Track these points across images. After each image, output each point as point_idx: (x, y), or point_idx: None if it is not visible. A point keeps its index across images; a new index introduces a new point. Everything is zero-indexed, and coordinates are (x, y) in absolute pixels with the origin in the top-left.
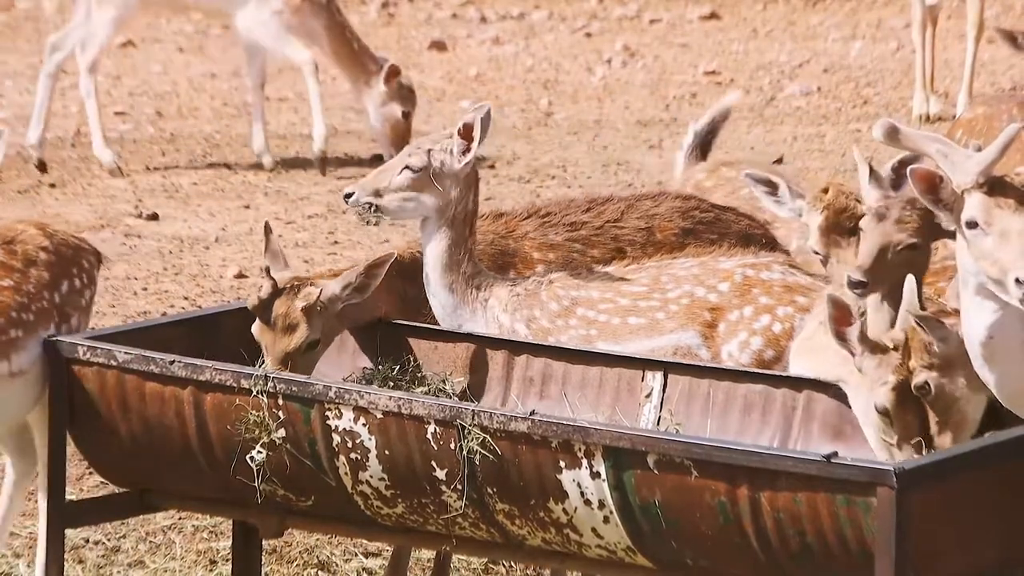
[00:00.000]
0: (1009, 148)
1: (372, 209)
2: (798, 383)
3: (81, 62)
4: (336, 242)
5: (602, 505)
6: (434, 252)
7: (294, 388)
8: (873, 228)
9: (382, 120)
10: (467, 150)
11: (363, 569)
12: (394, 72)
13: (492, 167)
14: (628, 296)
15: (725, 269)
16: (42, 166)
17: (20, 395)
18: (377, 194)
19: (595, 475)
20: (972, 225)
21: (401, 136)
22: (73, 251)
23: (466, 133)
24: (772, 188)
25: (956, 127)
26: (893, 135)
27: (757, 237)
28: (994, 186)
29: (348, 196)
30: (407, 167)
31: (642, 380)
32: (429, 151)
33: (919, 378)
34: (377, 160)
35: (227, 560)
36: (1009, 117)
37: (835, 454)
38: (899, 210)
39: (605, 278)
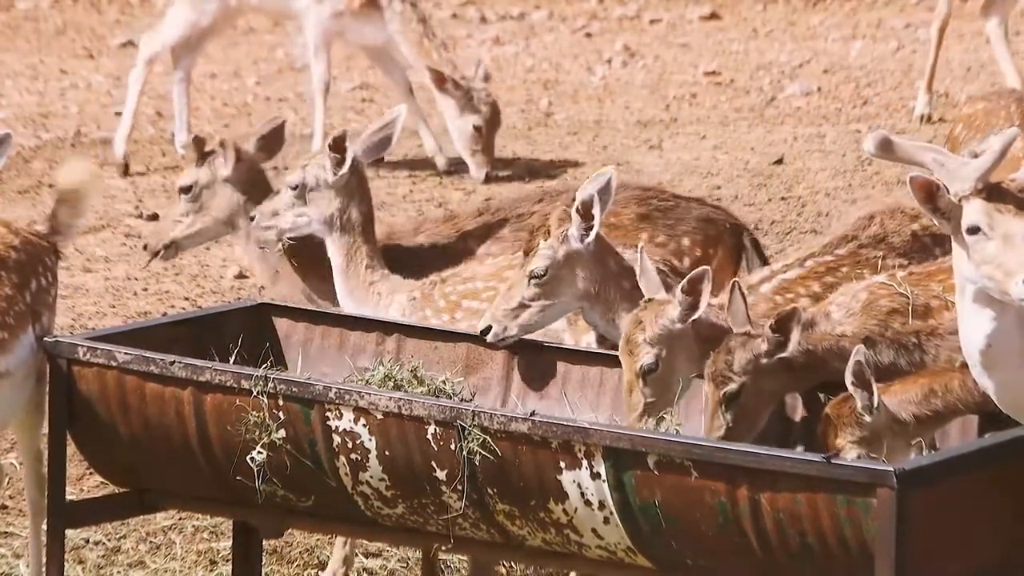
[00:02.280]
0: (1007, 153)
1: (273, 231)
2: None
3: (142, 51)
4: None
5: (602, 506)
6: (334, 263)
7: (294, 389)
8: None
9: (457, 135)
10: (341, 162)
11: (363, 569)
12: (439, 79)
13: (493, 167)
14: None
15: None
16: (126, 169)
17: (7, 397)
18: (275, 214)
19: (595, 476)
20: (974, 231)
21: (479, 150)
22: (36, 248)
23: (337, 146)
24: None
25: (956, 122)
26: (887, 147)
27: (720, 222)
28: (992, 192)
29: (250, 220)
30: (286, 185)
31: None
32: (304, 167)
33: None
34: (377, 161)
35: (227, 560)
36: (1008, 113)
37: (835, 455)
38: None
39: (491, 268)
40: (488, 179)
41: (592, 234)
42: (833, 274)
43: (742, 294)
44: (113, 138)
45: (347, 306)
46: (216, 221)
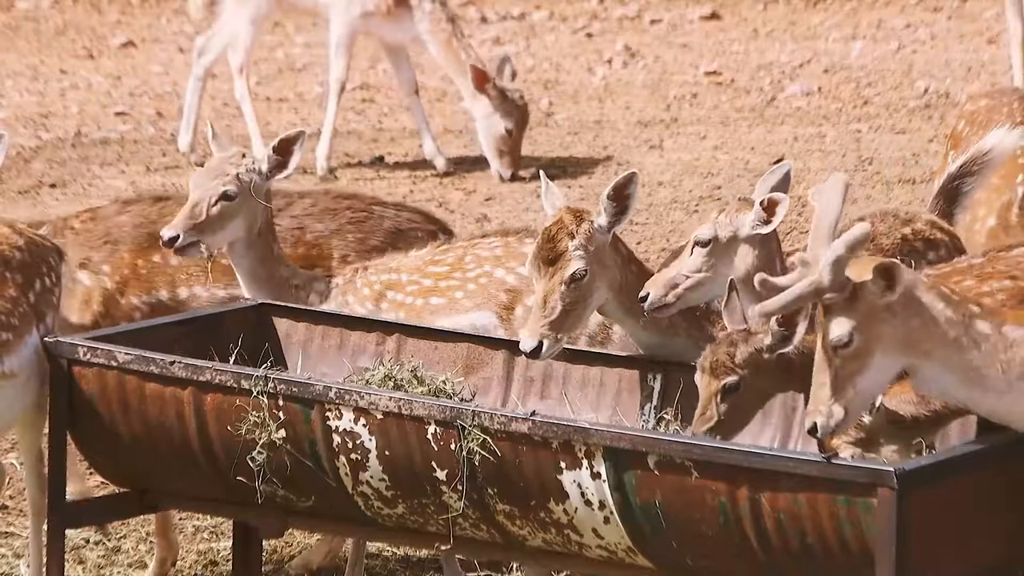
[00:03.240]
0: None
1: (197, 245)
2: None
3: (232, 65)
4: None
5: (603, 506)
6: (248, 268)
7: (294, 389)
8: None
9: (485, 134)
10: (282, 165)
11: (363, 569)
12: (481, 77)
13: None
14: (432, 277)
15: (526, 253)
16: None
17: (11, 398)
18: (199, 230)
19: (596, 476)
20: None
21: (506, 152)
22: (40, 249)
23: (282, 149)
24: None
25: (959, 119)
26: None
27: (414, 231)
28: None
29: (172, 241)
30: (224, 196)
31: (643, 381)
32: (238, 176)
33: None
34: (378, 162)
35: (227, 560)
36: (1010, 111)
37: (835, 455)
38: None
39: (416, 260)
40: (513, 178)
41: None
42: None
43: (737, 293)
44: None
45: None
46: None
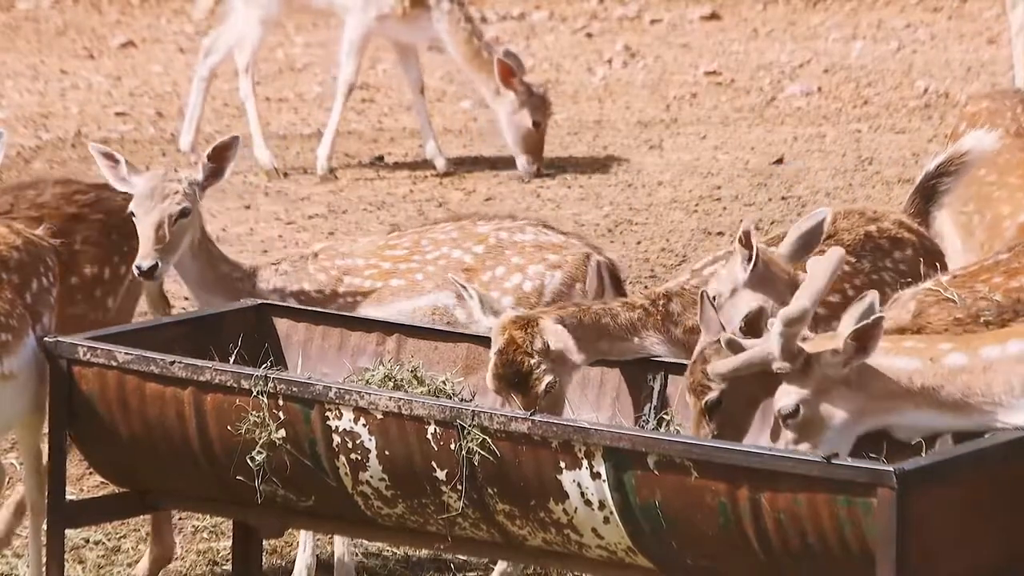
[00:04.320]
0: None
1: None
2: None
3: (238, 64)
4: None
5: (602, 506)
6: (197, 275)
7: (294, 389)
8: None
9: (512, 129)
10: (218, 172)
11: (363, 569)
12: (507, 72)
13: (493, 167)
14: (390, 260)
15: (481, 232)
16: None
17: (11, 399)
18: (167, 252)
19: (595, 476)
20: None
21: (533, 147)
22: (38, 249)
23: (217, 156)
24: None
25: (960, 120)
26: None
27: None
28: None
29: (151, 271)
30: (182, 214)
31: (643, 381)
32: (186, 192)
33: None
34: (378, 162)
35: (227, 560)
36: (1013, 114)
37: (836, 455)
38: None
39: (369, 245)
40: (538, 174)
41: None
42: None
43: (711, 303)
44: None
45: (207, 303)
46: None
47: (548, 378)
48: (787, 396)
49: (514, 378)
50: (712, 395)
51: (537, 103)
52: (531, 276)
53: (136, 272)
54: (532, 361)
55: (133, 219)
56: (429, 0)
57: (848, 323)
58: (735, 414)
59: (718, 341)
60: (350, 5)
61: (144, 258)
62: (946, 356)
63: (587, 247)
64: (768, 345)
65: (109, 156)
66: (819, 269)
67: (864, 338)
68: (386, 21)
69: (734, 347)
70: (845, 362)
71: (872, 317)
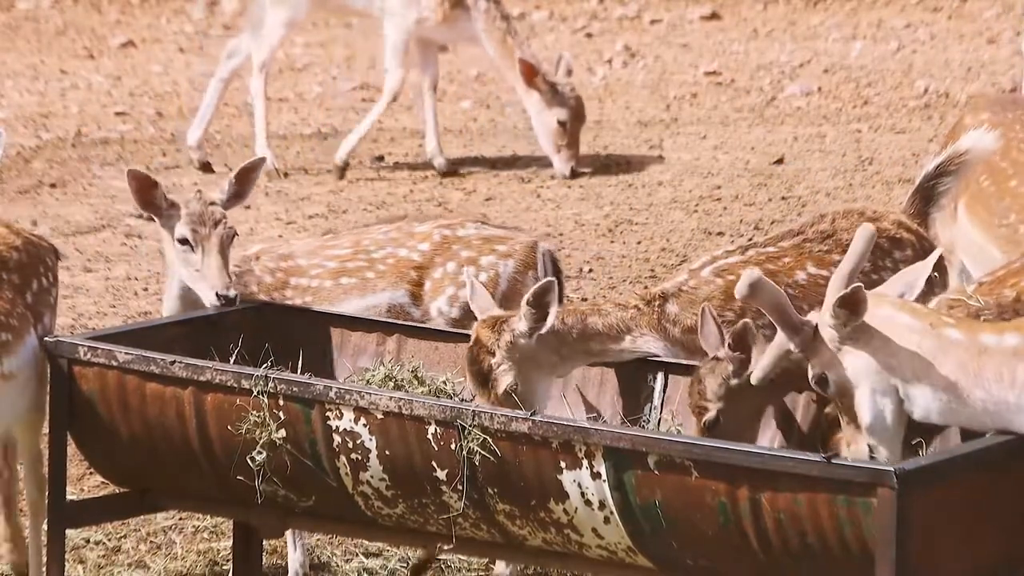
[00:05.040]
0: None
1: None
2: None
3: (254, 61)
4: None
5: (603, 505)
6: (178, 293)
7: (295, 389)
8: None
9: (540, 128)
10: (241, 194)
11: (363, 569)
12: (529, 71)
13: (493, 167)
14: (335, 260)
15: (422, 231)
16: (206, 167)
17: (11, 399)
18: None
19: (596, 475)
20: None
21: (565, 147)
22: (37, 249)
23: (241, 177)
24: None
25: (959, 129)
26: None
27: None
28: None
29: (234, 299)
30: (235, 235)
31: (643, 381)
32: (189, 215)
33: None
34: (378, 162)
35: (228, 560)
36: (1022, 126)
37: (836, 455)
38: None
39: (307, 246)
40: (573, 174)
41: (545, 325)
42: (774, 262)
43: (713, 318)
44: (255, 146)
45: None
46: None
47: (508, 378)
48: (811, 370)
49: (477, 376)
50: (710, 415)
51: (562, 101)
52: (485, 267)
53: (222, 301)
54: (492, 360)
55: (181, 246)
56: (467, 0)
57: (894, 286)
58: (735, 430)
59: (714, 358)
60: (389, 8)
61: (228, 288)
62: (945, 328)
63: (530, 237)
64: (783, 339)
65: (146, 179)
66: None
67: (851, 302)
68: (426, 24)
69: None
70: (844, 324)
71: (851, 287)
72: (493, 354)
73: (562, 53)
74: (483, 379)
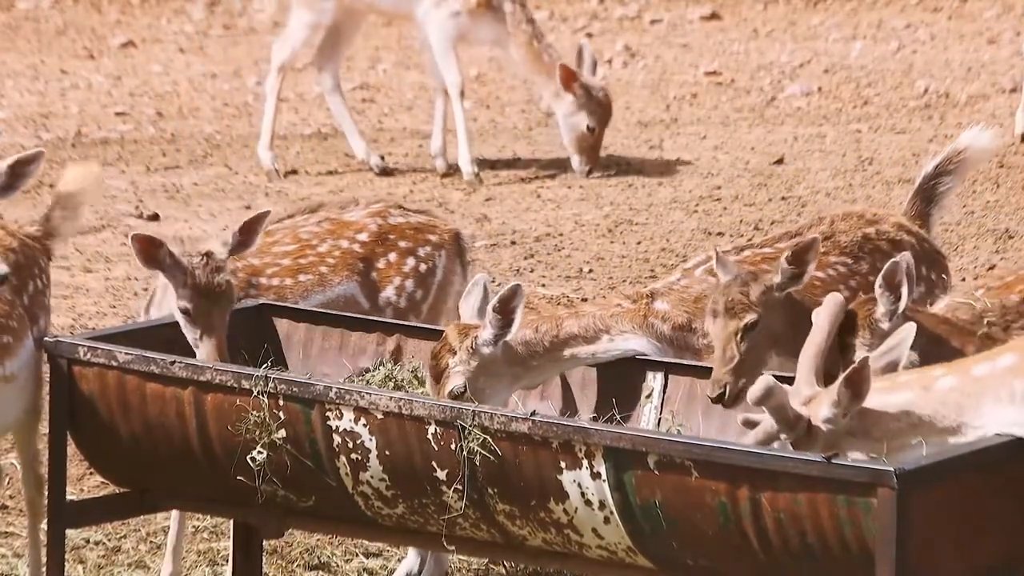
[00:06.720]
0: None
1: None
2: None
3: (273, 58)
4: None
5: (603, 505)
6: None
7: (295, 389)
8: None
9: (568, 131)
10: (246, 244)
11: (363, 569)
12: (568, 76)
13: (493, 167)
14: (287, 256)
15: (357, 221)
16: (277, 174)
17: (10, 400)
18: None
19: (596, 475)
20: None
21: (588, 150)
22: (32, 250)
23: (246, 229)
24: None
25: None
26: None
27: None
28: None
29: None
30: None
31: (643, 381)
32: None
33: None
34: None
35: (227, 560)
36: None
37: (835, 455)
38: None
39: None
40: (590, 176)
41: (510, 331)
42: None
43: (723, 257)
44: (257, 145)
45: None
46: None
47: (457, 381)
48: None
49: (432, 372)
50: (751, 316)
51: (594, 107)
52: (423, 258)
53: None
54: (451, 360)
55: (181, 312)
56: (495, 1)
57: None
58: (761, 344)
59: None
60: (426, 11)
61: (223, 358)
62: (937, 381)
63: (447, 224)
64: (766, 421)
65: (150, 241)
66: (818, 323)
67: (855, 382)
68: (457, 18)
69: (749, 423)
70: (844, 412)
71: (858, 361)
72: (454, 354)
73: (582, 44)
74: (437, 376)
